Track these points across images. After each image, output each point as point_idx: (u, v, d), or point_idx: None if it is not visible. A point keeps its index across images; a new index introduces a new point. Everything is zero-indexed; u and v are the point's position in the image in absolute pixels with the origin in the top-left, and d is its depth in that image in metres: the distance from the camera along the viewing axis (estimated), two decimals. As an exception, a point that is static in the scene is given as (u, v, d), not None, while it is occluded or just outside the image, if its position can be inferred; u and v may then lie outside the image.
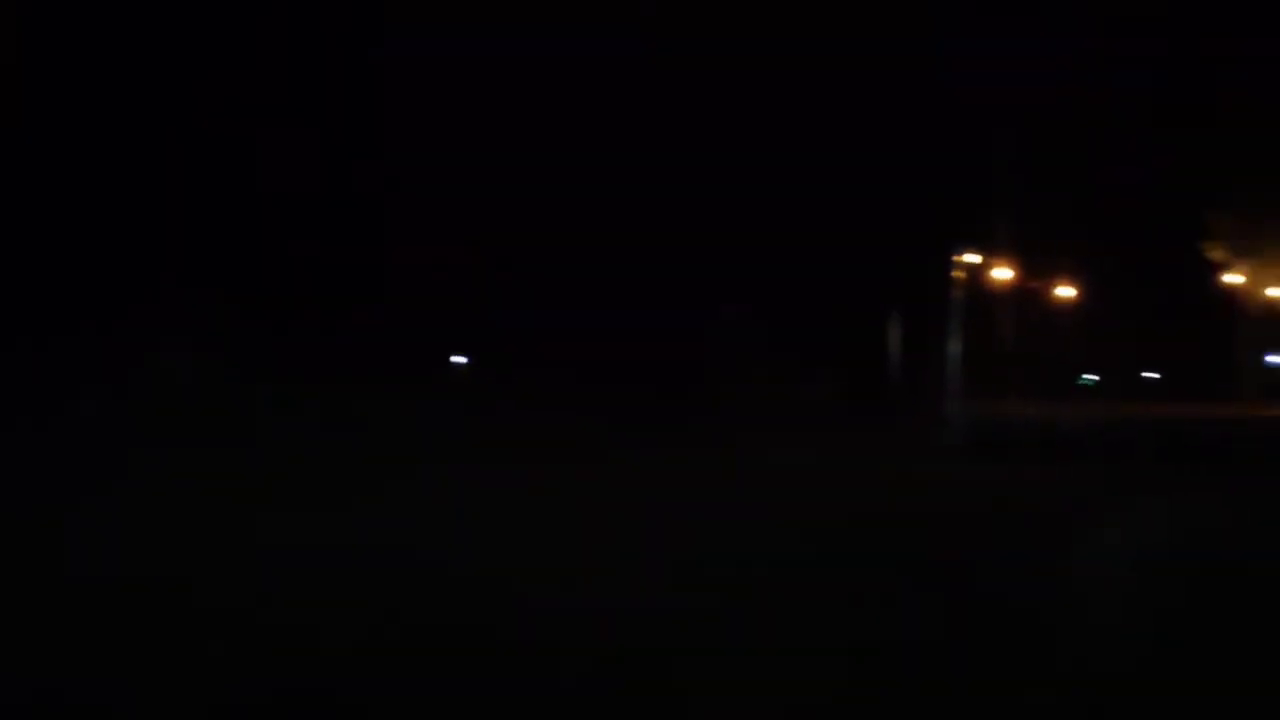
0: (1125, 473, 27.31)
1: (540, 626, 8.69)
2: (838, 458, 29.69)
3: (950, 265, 43.84)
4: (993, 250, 45.91)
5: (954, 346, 44.48)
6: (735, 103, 47.88)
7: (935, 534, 14.83)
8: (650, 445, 30.69)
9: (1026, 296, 50.60)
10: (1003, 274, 46.80)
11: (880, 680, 7.00)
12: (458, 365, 49.15)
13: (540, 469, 24.11)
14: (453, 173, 46.49)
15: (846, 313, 48.10)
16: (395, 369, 40.67)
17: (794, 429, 37.85)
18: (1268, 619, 8.12)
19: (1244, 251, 46.23)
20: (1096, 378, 62.84)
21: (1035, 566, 12.50)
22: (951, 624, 8.55)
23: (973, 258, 43.83)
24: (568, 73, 45.61)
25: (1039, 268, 49.65)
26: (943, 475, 27.07)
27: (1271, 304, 47.97)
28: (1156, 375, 58.69)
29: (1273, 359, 56.76)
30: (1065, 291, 50.74)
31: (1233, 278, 47.12)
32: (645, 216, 47.23)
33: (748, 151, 48.41)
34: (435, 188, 46.08)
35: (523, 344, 45.40)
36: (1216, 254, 46.83)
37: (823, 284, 48.37)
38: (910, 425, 40.20)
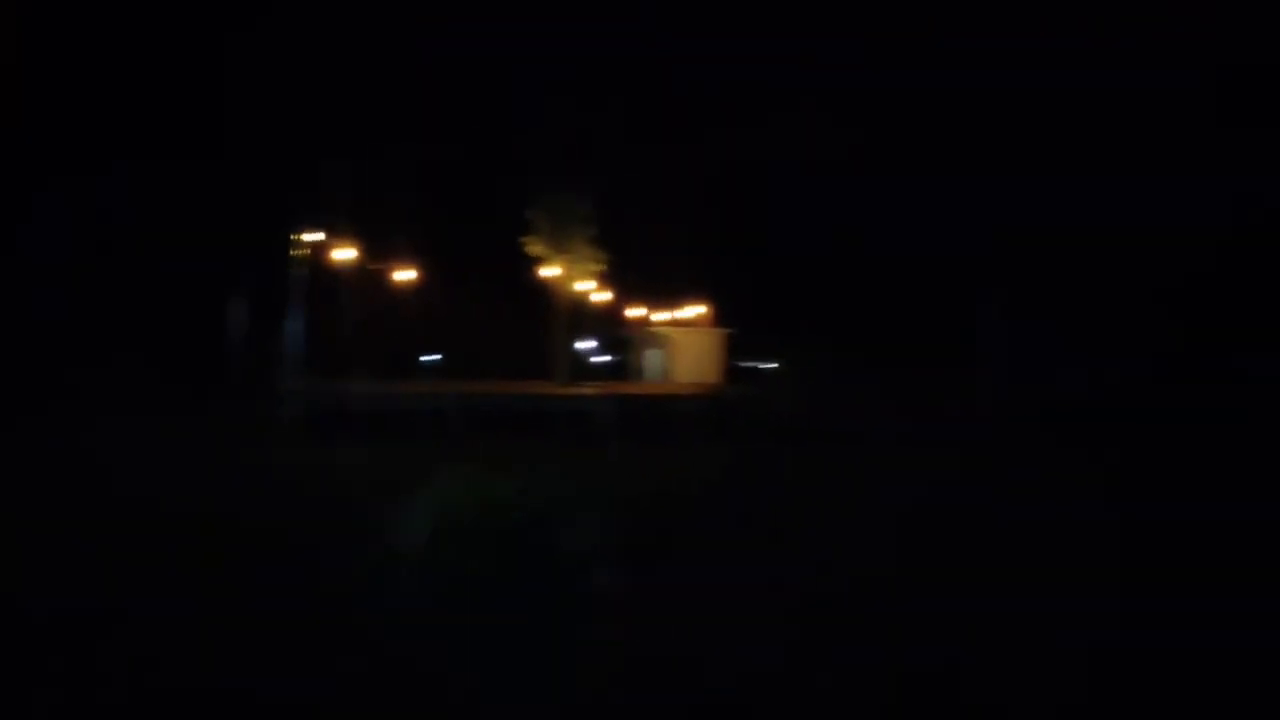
0: (445, 445, 29.16)
1: None
2: (155, 441, 28.20)
3: (292, 243, 43.93)
4: (335, 230, 46.73)
5: (294, 325, 44.65)
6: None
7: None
8: None
9: (370, 277, 52.10)
10: (345, 254, 47.74)
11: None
12: None
13: None
14: None
15: (181, 290, 46.04)
16: None
17: (119, 413, 35.18)
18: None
19: (557, 248, 51.39)
20: (439, 357, 66.61)
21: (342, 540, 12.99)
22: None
23: (315, 236, 44.35)
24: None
25: (381, 249, 51.39)
26: (266, 454, 27.09)
27: (579, 296, 53.88)
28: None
29: (581, 345, 64.16)
30: (406, 274, 52.91)
31: (548, 271, 52.17)
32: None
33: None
34: None
35: None
36: (535, 249, 51.57)
37: (155, 258, 45.84)
38: (249, 405, 39.51)
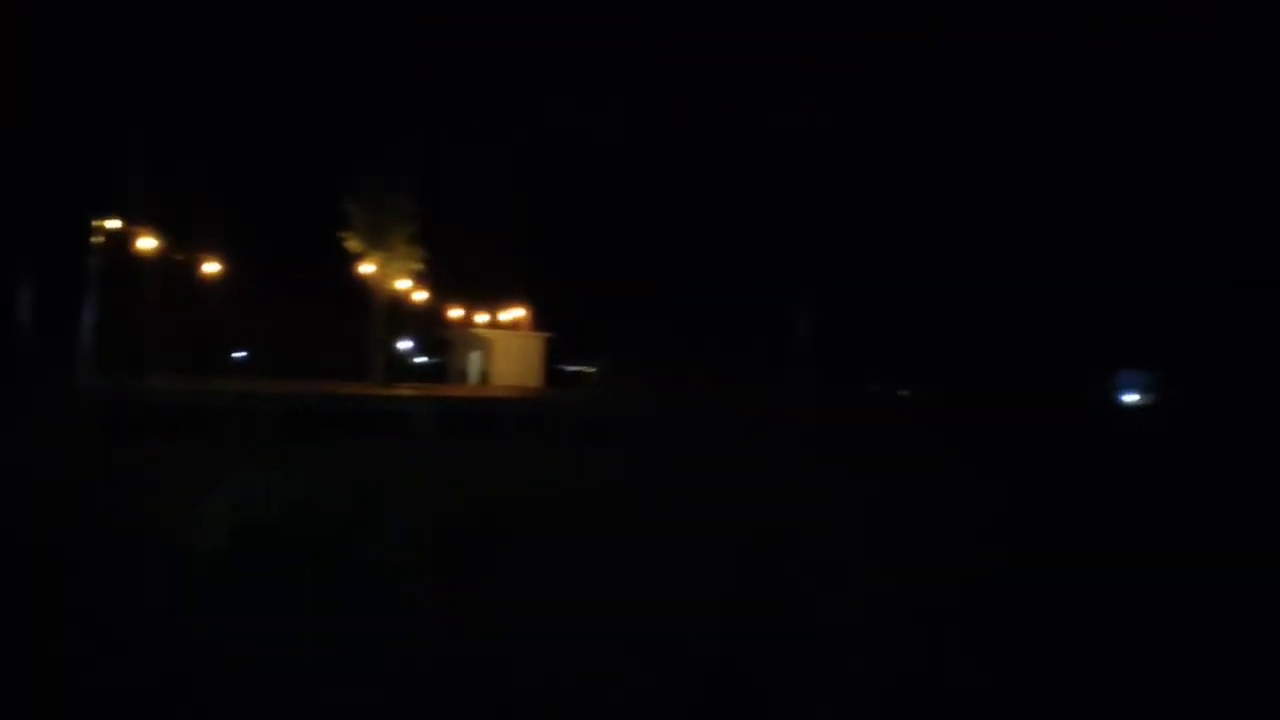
0: (247, 444, 27.99)
1: None
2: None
3: (91, 231, 41.56)
4: (138, 219, 44.43)
5: (90, 316, 42.23)
6: None
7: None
8: None
9: (175, 268, 49.79)
10: (147, 243, 45.45)
11: None
12: None
13: None
14: None
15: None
16: None
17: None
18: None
19: (374, 245, 50.13)
20: (248, 354, 64.18)
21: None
22: None
23: (115, 224, 42.06)
24: None
25: (188, 240, 49.18)
26: (54, 456, 25.43)
27: (398, 295, 52.72)
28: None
29: (400, 345, 62.92)
30: (213, 266, 50.81)
31: (365, 268, 50.89)
32: None
33: None
34: None
35: None
36: (352, 245, 50.21)
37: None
38: (36, 402, 37.07)
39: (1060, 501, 17.85)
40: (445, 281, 57.24)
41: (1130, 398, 65.31)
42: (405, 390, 47.15)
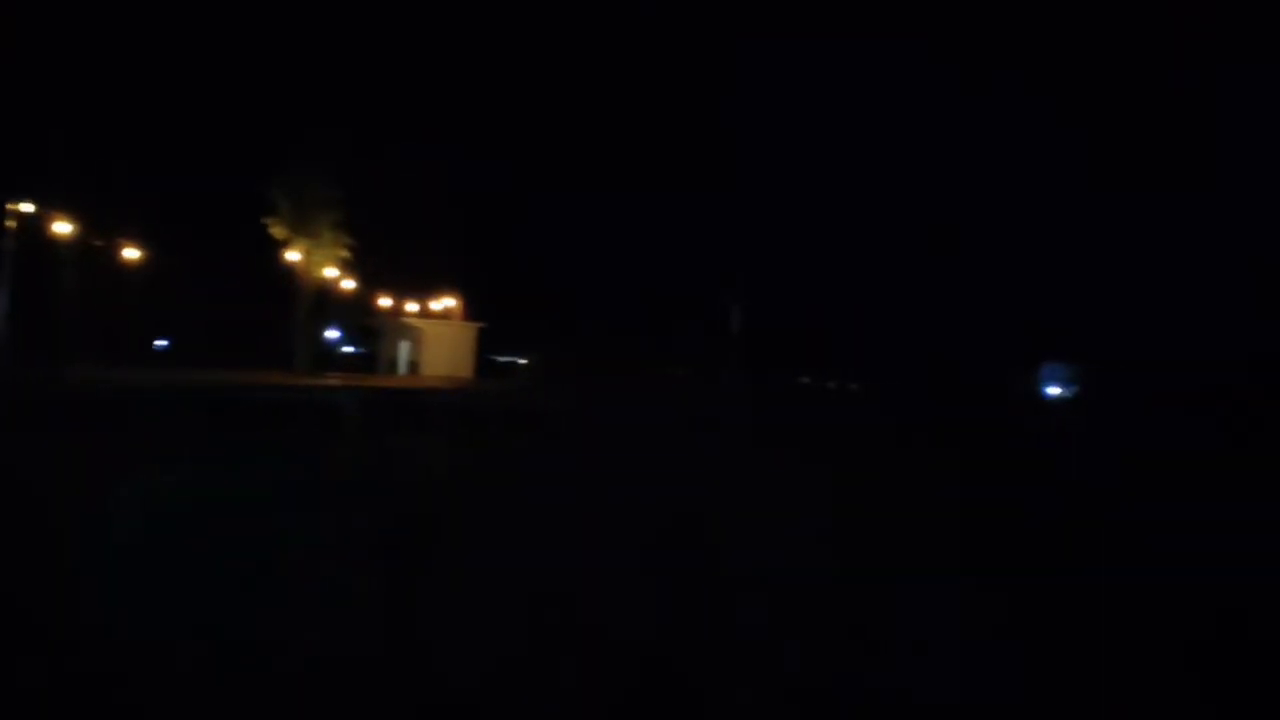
0: (166, 439, 27.23)
1: None
2: None
3: (3, 214, 40.25)
4: (54, 202, 43.13)
5: (2, 302, 40.96)
6: None
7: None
8: None
9: (96, 254, 48.49)
10: (63, 228, 44.16)
11: None
12: None
13: None
14: None
15: None
16: None
17: None
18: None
19: (300, 232, 49.20)
20: (169, 342, 62.84)
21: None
22: None
23: (27, 207, 40.78)
24: None
25: (107, 226, 47.93)
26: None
27: (325, 283, 51.81)
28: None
29: (328, 334, 61.99)
30: (134, 253, 49.56)
31: (292, 254, 49.95)
32: None
33: None
34: None
35: None
36: (277, 231, 49.24)
37: None
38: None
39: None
40: (374, 270, 56.45)
41: (1054, 390, 66.49)
42: (332, 380, 46.40)
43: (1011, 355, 68.63)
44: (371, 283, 58.67)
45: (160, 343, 62.47)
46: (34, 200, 41.27)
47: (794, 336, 71.94)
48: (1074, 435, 34.02)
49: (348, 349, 67.68)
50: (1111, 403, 57.17)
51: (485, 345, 69.89)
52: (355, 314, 61.97)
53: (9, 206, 40.31)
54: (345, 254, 50.75)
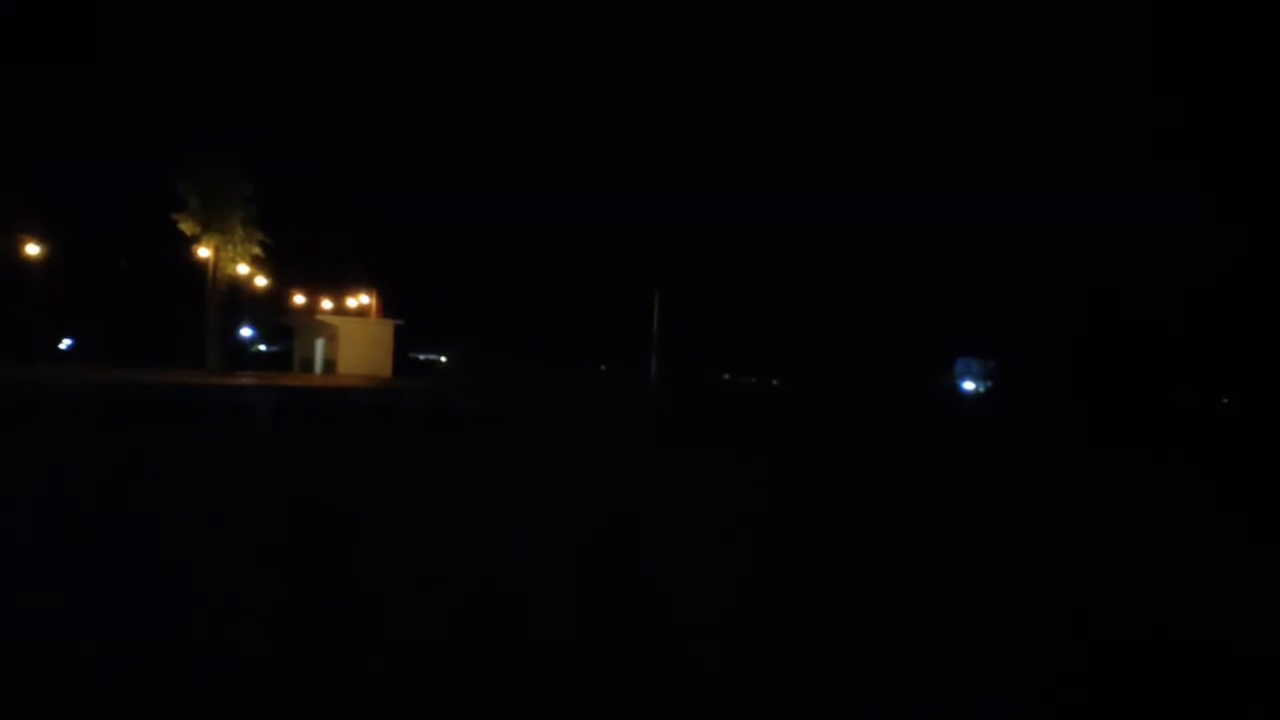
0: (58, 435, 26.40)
1: None
2: None
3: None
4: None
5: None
6: None
7: None
8: None
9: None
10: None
11: None
12: None
13: None
14: None
15: None
16: None
17: None
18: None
19: (210, 227, 48.09)
20: (73, 342, 61.04)
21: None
22: None
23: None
24: None
25: (8, 220, 46.42)
26: None
27: (238, 280, 50.71)
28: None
29: (242, 333, 60.72)
30: (35, 248, 48.06)
31: (202, 250, 48.82)
32: None
33: None
34: None
35: None
36: (186, 226, 48.07)
37: None
38: None
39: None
40: (288, 267, 55.41)
41: (969, 385, 67.74)
42: (246, 379, 45.44)
43: (932, 352, 69.83)
44: (285, 280, 57.59)
45: (67, 342, 60.69)
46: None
47: (715, 332, 72.28)
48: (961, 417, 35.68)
49: (261, 347, 66.41)
50: (1020, 396, 58.45)
51: (404, 343, 69.10)
52: (269, 311, 60.81)
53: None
54: (258, 250, 49.70)
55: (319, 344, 64.45)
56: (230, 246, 48.28)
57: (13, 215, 46.62)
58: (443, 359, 78.30)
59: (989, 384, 67.68)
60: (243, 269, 50.71)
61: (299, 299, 62.70)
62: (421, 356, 78.01)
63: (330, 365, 64.01)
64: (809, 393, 56.89)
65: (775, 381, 77.50)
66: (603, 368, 79.61)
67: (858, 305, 74.08)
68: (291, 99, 52.63)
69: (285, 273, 55.52)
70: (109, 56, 49.33)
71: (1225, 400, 62.56)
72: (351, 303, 65.20)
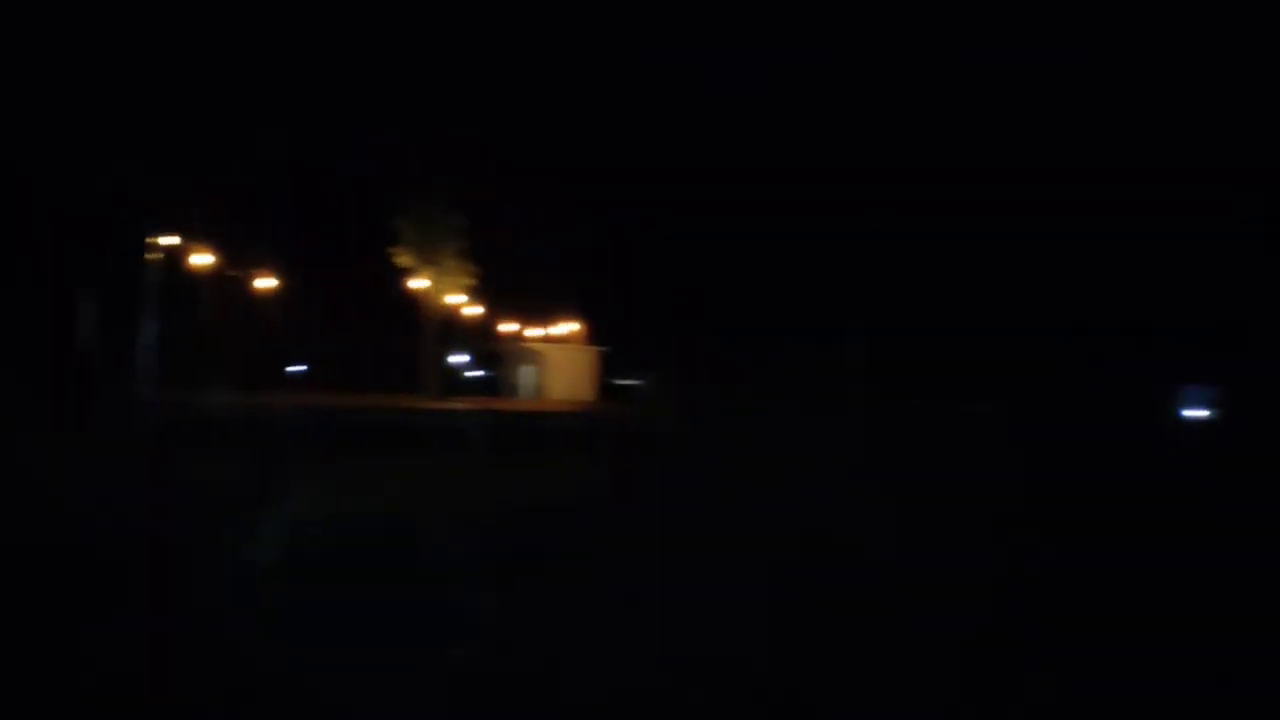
0: (308, 460, 28.04)
1: None
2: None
3: (147, 247, 42.19)
4: (194, 234, 45.08)
5: (150, 330, 42.86)
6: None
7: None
8: None
9: (231, 284, 50.44)
10: (203, 259, 46.10)
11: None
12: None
13: None
14: None
15: (28, 292, 43.73)
16: None
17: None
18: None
19: (425, 260, 50.36)
20: (304, 368, 64.83)
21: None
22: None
23: (171, 240, 42.69)
24: None
25: (243, 256, 49.81)
26: (120, 466, 25.62)
27: (450, 310, 52.95)
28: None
29: (453, 360, 63.26)
30: (268, 282, 51.39)
31: (417, 283, 51.15)
32: None
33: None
34: None
35: None
36: (403, 260, 50.50)
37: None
38: (101, 414, 37.55)
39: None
40: (498, 296, 57.45)
41: (1193, 413, 63.96)
42: (460, 404, 47.24)
43: (1153, 377, 66.03)
44: (496, 308, 59.69)
45: (294, 368, 64.47)
46: (177, 233, 43.20)
47: (920, 358, 70.42)
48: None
49: (472, 374, 68.90)
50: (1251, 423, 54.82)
51: (607, 368, 70.33)
52: (480, 339, 63.09)
53: (150, 240, 42.29)
54: (470, 281, 51.79)
55: (526, 370, 66.36)
56: (444, 278, 50.47)
57: (247, 251, 50.02)
58: (640, 383, 79.25)
59: (1214, 411, 63.73)
60: (455, 299, 52.93)
61: (508, 327, 64.79)
62: (621, 382, 79.18)
63: (537, 390, 65.80)
64: (1036, 425, 54.45)
65: (984, 409, 74.43)
66: (797, 396, 78.55)
67: (1076, 324, 70.69)
68: (504, 135, 54.62)
69: (496, 302, 57.56)
70: (321, 95, 52.45)
71: None
72: (558, 330, 66.94)
